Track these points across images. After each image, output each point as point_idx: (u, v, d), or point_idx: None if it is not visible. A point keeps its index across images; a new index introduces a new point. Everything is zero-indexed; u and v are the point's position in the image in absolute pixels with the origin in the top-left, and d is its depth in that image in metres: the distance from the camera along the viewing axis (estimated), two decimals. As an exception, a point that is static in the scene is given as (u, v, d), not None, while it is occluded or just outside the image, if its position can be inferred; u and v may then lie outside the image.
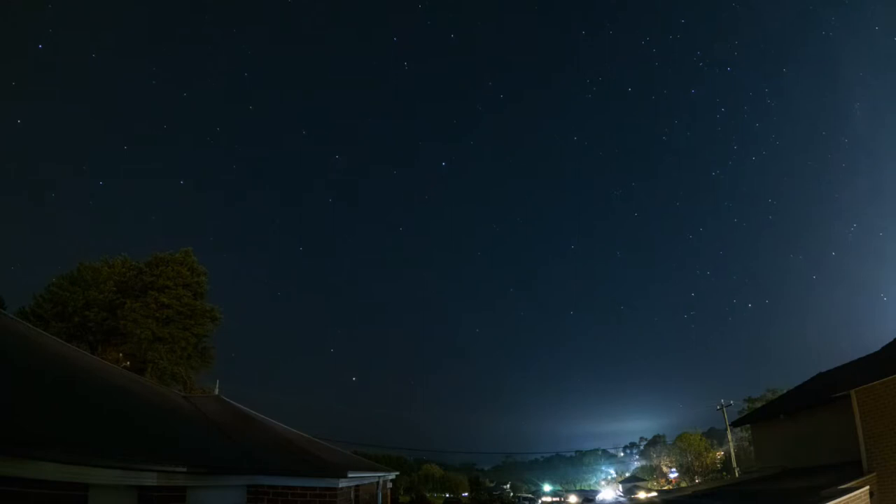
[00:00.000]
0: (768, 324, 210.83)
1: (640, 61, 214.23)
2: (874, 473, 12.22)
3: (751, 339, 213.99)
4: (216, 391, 17.31)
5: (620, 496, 71.07)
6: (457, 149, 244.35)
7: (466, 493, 79.32)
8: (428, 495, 73.98)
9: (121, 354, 28.51)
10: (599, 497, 73.37)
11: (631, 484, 79.16)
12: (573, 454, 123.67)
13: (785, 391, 30.33)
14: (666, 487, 63.65)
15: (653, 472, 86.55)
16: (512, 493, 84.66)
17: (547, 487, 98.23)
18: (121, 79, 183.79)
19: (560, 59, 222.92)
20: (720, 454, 66.67)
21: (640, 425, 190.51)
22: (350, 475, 9.94)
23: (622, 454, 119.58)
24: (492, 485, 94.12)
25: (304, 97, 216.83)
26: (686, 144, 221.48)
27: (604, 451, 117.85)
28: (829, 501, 10.55)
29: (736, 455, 44.69)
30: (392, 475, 17.52)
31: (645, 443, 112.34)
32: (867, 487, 11.84)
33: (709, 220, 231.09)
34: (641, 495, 58.11)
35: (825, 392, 15.50)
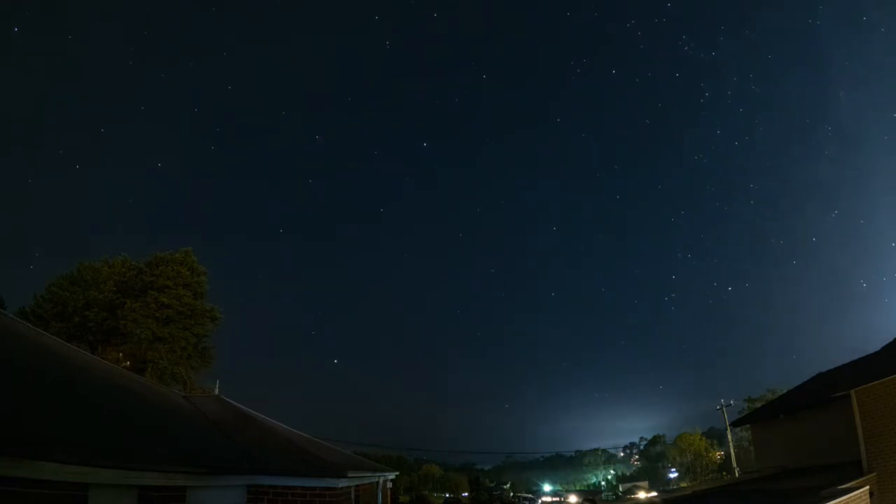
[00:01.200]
0: (748, 307, 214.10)
1: (625, 44, 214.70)
2: (874, 473, 12.23)
3: (731, 323, 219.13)
4: (216, 391, 17.30)
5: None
6: (435, 132, 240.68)
7: (466, 493, 79.35)
8: (428, 495, 74.02)
9: (121, 354, 28.51)
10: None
11: (631, 484, 79.20)
12: (573, 454, 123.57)
13: (785, 391, 30.33)
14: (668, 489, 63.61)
15: (653, 472, 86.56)
16: (512, 493, 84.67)
17: (547, 487, 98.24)
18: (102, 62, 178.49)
19: (544, 40, 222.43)
20: (720, 454, 66.69)
21: (640, 423, 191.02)
22: (350, 475, 9.94)
23: (622, 454, 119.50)
24: (492, 485, 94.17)
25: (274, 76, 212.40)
26: (669, 128, 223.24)
27: (604, 450, 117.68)
28: (829, 501, 10.54)
29: (736, 455, 44.68)
30: (392, 475, 17.52)
31: (645, 443, 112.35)
32: (867, 487, 11.84)
33: (690, 203, 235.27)
34: (641, 495, 58.10)
35: (825, 392, 15.51)
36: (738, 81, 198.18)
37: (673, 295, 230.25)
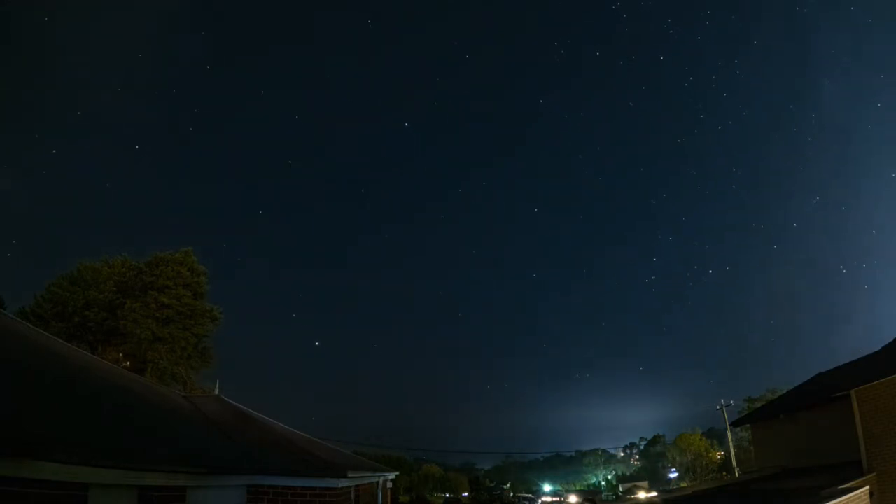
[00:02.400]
0: (728, 291, 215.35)
1: (609, 26, 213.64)
2: (874, 473, 12.23)
3: (711, 306, 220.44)
4: (216, 391, 17.31)
5: None
6: (416, 112, 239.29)
7: (466, 493, 79.34)
8: (428, 495, 74.02)
9: (121, 354, 28.51)
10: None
11: (631, 484, 79.19)
12: (573, 454, 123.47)
13: (785, 391, 30.34)
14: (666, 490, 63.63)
15: (653, 472, 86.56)
16: (512, 493, 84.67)
17: (547, 487, 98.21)
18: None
19: (527, 21, 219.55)
20: (720, 454, 66.69)
21: (639, 423, 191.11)
22: (350, 475, 9.94)
23: (622, 454, 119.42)
24: (492, 485, 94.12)
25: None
26: (652, 111, 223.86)
27: (604, 450, 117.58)
28: (829, 501, 10.54)
29: (736, 455, 44.68)
30: (392, 475, 17.52)
31: (645, 442, 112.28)
32: (867, 487, 11.84)
33: (672, 186, 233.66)
34: (641, 495, 58.10)
35: (825, 392, 15.51)
36: (723, 66, 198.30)
37: (653, 277, 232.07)
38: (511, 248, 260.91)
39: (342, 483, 9.47)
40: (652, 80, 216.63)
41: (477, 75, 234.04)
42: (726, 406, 43.97)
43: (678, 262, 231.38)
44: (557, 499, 78.70)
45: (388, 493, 17.63)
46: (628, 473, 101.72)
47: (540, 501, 76.64)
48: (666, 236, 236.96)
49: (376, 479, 14.60)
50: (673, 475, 74.17)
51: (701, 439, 69.86)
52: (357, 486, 11.93)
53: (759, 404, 45.38)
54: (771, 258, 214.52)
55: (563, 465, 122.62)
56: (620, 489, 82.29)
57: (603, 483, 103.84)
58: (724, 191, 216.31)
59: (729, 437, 45.12)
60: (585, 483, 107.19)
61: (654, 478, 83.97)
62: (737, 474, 37.70)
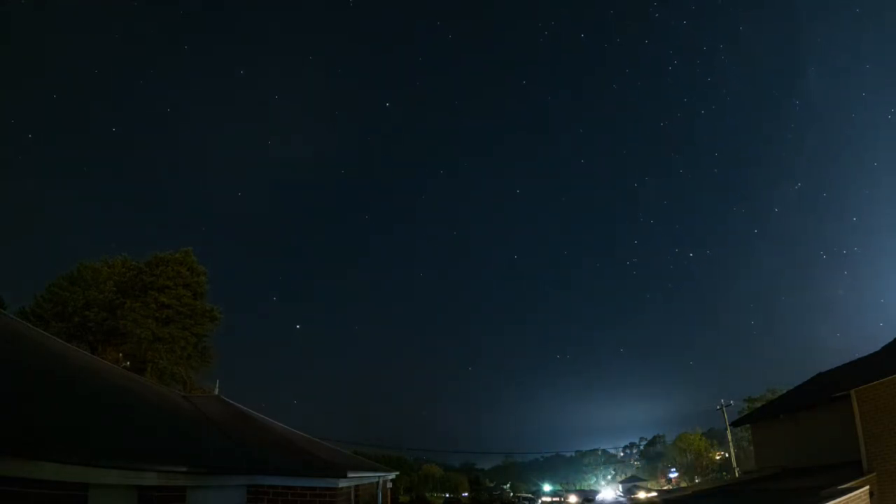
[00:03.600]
0: (709, 274, 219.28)
1: (595, 8, 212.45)
2: (874, 473, 12.22)
3: (692, 288, 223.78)
4: (216, 391, 17.31)
5: (620, 496, 71.02)
6: (397, 92, 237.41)
7: (466, 493, 79.34)
8: (428, 495, 74.00)
9: (121, 354, 28.51)
10: (599, 497, 73.27)
11: (631, 484, 79.19)
12: (573, 454, 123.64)
13: (785, 391, 30.33)
14: (666, 487, 63.64)
15: (653, 472, 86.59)
16: (512, 493, 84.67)
17: (547, 487, 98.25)
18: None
19: (510, 4, 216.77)
20: (720, 454, 66.72)
21: (639, 423, 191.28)
22: (350, 475, 9.93)
23: (622, 454, 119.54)
24: (492, 485, 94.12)
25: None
26: (636, 94, 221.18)
27: (604, 450, 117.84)
28: (829, 501, 10.55)
29: (736, 455, 44.70)
30: (392, 475, 17.52)
31: (645, 442, 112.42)
32: (867, 487, 11.84)
33: (654, 169, 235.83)
34: (641, 495, 58.11)
35: (825, 392, 15.51)
36: (708, 51, 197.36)
37: (634, 260, 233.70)
38: (492, 232, 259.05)
39: (342, 483, 9.46)
40: (636, 64, 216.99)
41: (461, 63, 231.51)
42: (726, 406, 44.02)
43: (660, 244, 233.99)
44: (557, 499, 78.69)
45: (388, 493, 17.63)
46: (628, 473, 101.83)
47: (540, 501, 76.62)
48: (647, 219, 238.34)
49: (376, 479, 14.60)
50: (673, 475, 74.18)
51: (701, 439, 69.89)
52: (357, 486, 11.93)
53: (759, 404, 45.36)
54: (752, 242, 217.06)
55: (563, 465, 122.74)
56: (620, 489, 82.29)
57: (603, 483, 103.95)
58: (706, 175, 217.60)
59: (729, 437, 45.13)
60: (585, 483, 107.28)
61: (654, 478, 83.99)
62: (737, 474, 37.71)
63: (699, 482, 45.52)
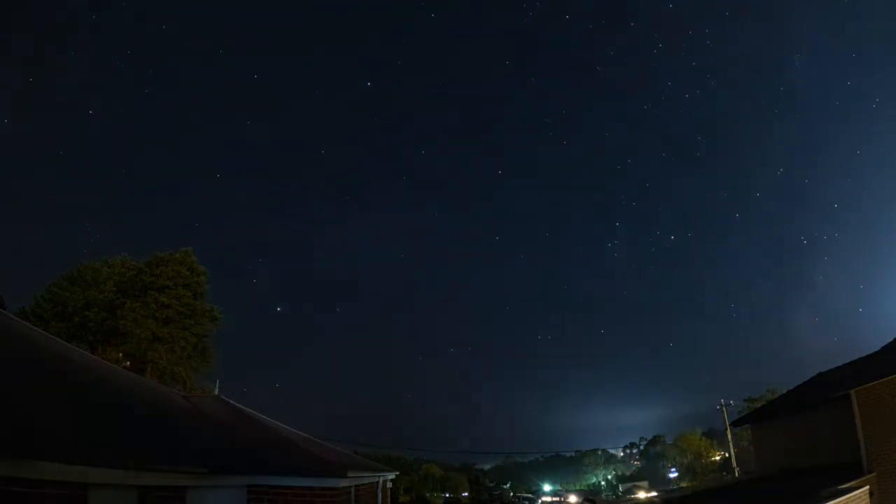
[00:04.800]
0: (689, 257, 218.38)
1: None
2: (874, 473, 12.23)
3: (671, 271, 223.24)
4: (216, 391, 17.32)
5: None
6: (378, 66, 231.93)
7: (466, 493, 79.35)
8: (428, 495, 74.02)
9: (121, 354, 28.53)
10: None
11: (631, 484, 79.22)
12: (573, 454, 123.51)
13: (785, 391, 30.34)
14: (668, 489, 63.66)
15: (653, 472, 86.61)
16: (512, 493, 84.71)
17: (547, 487, 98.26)
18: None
19: None
20: (721, 454, 66.73)
21: (639, 423, 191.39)
22: (350, 475, 9.95)
23: (622, 454, 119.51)
24: (492, 485, 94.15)
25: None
26: (619, 77, 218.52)
27: (604, 450, 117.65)
28: (828, 501, 10.55)
29: (736, 455, 44.71)
30: (392, 475, 17.52)
31: (645, 442, 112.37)
32: (867, 487, 11.84)
33: (637, 151, 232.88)
34: (641, 495, 58.12)
35: (825, 392, 15.52)
36: (693, 35, 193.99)
37: (616, 242, 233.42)
38: (475, 213, 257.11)
39: (342, 483, 9.47)
40: (620, 46, 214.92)
41: (439, 31, 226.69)
42: (726, 406, 44.03)
43: (641, 227, 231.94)
44: (557, 499, 78.68)
45: (388, 493, 17.63)
46: (628, 473, 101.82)
47: (540, 501, 76.61)
48: (630, 201, 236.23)
49: (376, 479, 14.60)
50: (673, 475, 74.21)
51: (701, 439, 69.91)
52: (357, 486, 11.93)
53: (759, 404, 45.37)
54: (733, 226, 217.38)
55: (563, 465, 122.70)
56: (620, 489, 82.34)
57: (603, 483, 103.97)
58: (689, 158, 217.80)
59: (729, 437, 45.13)
60: (585, 483, 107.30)
61: (654, 478, 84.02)
62: (737, 474, 37.73)
63: (699, 482, 45.56)
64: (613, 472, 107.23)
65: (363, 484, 12.73)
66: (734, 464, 42.19)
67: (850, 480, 11.89)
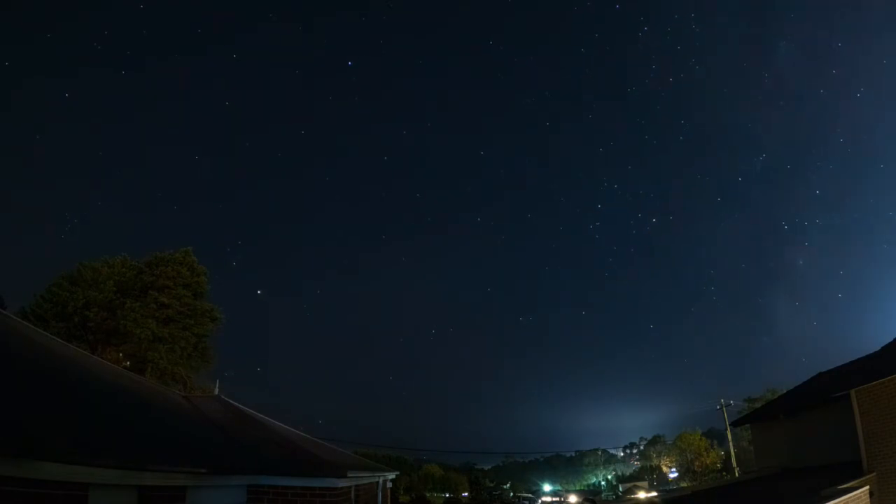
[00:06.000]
0: (670, 239, 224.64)
1: None
2: (874, 473, 12.22)
3: (652, 253, 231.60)
4: (216, 391, 17.32)
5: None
6: (360, 46, 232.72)
7: (466, 493, 79.31)
8: (428, 495, 73.98)
9: (121, 354, 28.50)
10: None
11: (631, 484, 79.16)
12: (573, 454, 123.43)
13: (785, 391, 30.33)
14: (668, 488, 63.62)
15: (653, 472, 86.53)
16: (512, 493, 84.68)
17: (547, 487, 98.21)
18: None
19: None
20: (721, 453, 66.66)
21: (640, 423, 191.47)
22: (350, 475, 9.94)
23: (622, 454, 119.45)
24: (492, 485, 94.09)
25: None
26: (604, 58, 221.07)
27: (604, 450, 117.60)
28: (828, 501, 10.55)
29: (736, 455, 44.70)
30: (392, 475, 17.51)
31: (645, 442, 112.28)
32: (867, 487, 11.84)
33: (620, 134, 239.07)
34: (641, 495, 58.10)
35: (825, 392, 15.51)
36: (679, 19, 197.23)
37: (597, 223, 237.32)
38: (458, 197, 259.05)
39: (342, 483, 9.47)
40: (605, 28, 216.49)
41: (423, 16, 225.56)
42: (726, 406, 44.02)
43: (623, 209, 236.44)
44: (557, 499, 78.65)
45: (388, 493, 17.63)
46: (628, 473, 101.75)
47: (540, 501, 76.58)
48: (612, 184, 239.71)
49: (376, 479, 14.60)
50: (673, 475, 74.14)
51: (701, 439, 69.82)
52: (357, 485, 11.93)
53: (759, 404, 45.36)
54: (714, 210, 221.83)
55: (563, 465, 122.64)
56: (620, 489, 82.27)
57: (603, 483, 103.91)
58: (672, 142, 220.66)
59: (729, 437, 45.13)
60: (585, 483, 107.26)
61: (653, 478, 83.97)
62: (737, 474, 37.72)
63: (699, 482, 45.52)
64: (613, 472, 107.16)
65: (363, 484, 12.73)
66: (734, 464, 42.19)
67: (850, 480, 11.88)
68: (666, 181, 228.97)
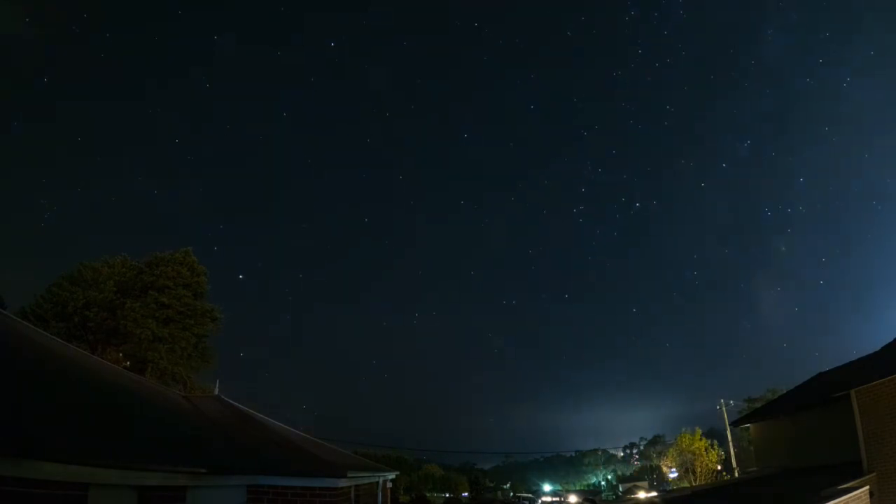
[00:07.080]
0: (654, 224, 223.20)
1: None
2: (874, 473, 12.22)
3: (635, 237, 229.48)
4: (216, 391, 17.32)
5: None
6: (343, 26, 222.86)
7: (466, 493, 79.38)
8: (428, 495, 73.99)
9: (121, 354, 28.50)
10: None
11: (631, 484, 79.21)
12: (573, 454, 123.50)
13: (785, 391, 30.34)
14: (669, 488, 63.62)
15: (653, 472, 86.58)
16: (512, 493, 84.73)
17: (547, 487, 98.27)
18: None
19: None
20: (720, 453, 66.66)
21: (640, 423, 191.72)
22: (350, 475, 9.94)
23: (622, 454, 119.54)
24: (492, 485, 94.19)
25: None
26: (589, 42, 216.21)
27: (604, 450, 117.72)
28: (828, 501, 10.55)
29: (736, 455, 44.69)
30: (392, 475, 17.52)
31: (645, 442, 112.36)
32: (867, 487, 11.84)
33: (605, 118, 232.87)
34: (641, 495, 58.09)
35: (825, 392, 15.51)
36: (667, 4, 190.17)
37: (581, 207, 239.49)
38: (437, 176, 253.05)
39: (342, 483, 9.47)
40: (591, 11, 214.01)
41: (414, 25, 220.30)
42: (726, 406, 44.04)
43: (606, 193, 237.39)
44: (557, 499, 78.69)
45: (388, 493, 17.63)
46: (628, 473, 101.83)
47: (540, 501, 76.62)
48: (595, 167, 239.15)
49: (376, 479, 14.60)
50: (673, 475, 74.15)
51: (701, 439, 69.85)
52: (357, 485, 11.93)
53: (759, 404, 45.39)
54: (698, 195, 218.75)
55: (563, 465, 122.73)
56: (620, 489, 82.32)
57: (603, 483, 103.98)
58: (656, 126, 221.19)
59: (729, 437, 45.14)
60: (585, 483, 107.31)
61: (653, 478, 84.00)
62: (737, 474, 37.74)
63: (699, 482, 45.50)
64: (613, 472, 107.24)
65: (363, 484, 12.74)
66: (734, 464, 42.19)
67: (850, 480, 11.89)
68: (649, 165, 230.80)
